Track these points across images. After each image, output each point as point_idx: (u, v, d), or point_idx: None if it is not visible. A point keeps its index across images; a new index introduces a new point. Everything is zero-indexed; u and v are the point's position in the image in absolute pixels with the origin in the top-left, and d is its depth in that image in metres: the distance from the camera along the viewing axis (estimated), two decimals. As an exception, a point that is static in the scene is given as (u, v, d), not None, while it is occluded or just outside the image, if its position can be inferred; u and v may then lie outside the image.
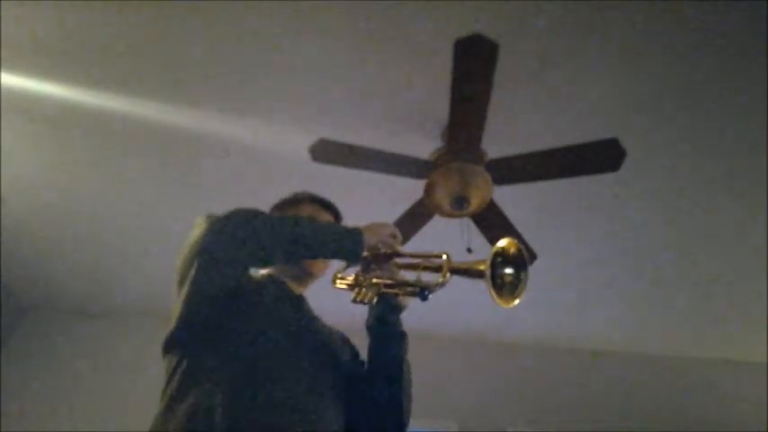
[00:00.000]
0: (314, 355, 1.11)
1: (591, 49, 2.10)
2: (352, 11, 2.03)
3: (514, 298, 1.06)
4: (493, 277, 1.03)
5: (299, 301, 1.24)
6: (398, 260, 1.21)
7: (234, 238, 1.00)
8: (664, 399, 3.78)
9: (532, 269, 2.68)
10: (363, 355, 1.26)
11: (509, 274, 1.07)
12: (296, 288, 1.26)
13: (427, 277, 1.16)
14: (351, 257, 1.12)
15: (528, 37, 2.07)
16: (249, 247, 1.02)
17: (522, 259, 1.08)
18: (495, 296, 1.02)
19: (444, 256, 1.11)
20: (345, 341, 1.29)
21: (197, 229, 1.04)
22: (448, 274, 1.09)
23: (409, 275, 1.20)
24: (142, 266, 3.49)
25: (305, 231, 1.08)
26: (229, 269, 1.02)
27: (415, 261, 1.19)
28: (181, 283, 1.03)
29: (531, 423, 3.63)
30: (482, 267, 1.03)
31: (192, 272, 1.00)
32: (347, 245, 1.10)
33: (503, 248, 1.07)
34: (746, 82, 2.16)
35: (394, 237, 1.19)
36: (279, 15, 2.07)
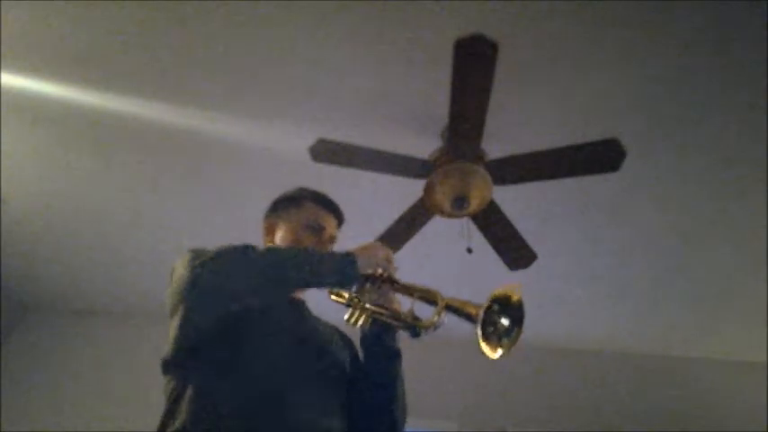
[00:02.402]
0: (316, 360, 1.11)
1: (591, 48, 2.10)
2: (352, 11, 2.03)
3: (498, 348, 1.02)
4: (484, 322, 1.00)
5: (299, 306, 1.23)
6: (393, 285, 1.19)
7: (221, 279, 0.99)
8: (664, 399, 3.78)
9: (533, 269, 2.71)
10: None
11: (503, 324, 1.04)
12: (294, 293, 1.24)
13: (420, 306, 1.14)
14: (345, 286, 1.12)
15: (528, 37, 2.07)
16: (237, 287, 1.00)
17: (521, 313, 1.04)
18: (480, 342, 0.99)
19: (438, 298, 1.09)
20: (345, 340, 1.28)
21: (183, 267, 1.02)
22: (442, 314, 1.07)
23: (403, 300, 1.19)
24: (142, 266, 3.49)
25: (294, 265, 1.05)
26: (218, 307, 1.00)
27: (410, 288, 1.17)
28: (172, 315, 1.03)
29: (531, 423, 3.63)
30: (475, 312, 1.01)
31: (181, 309, 1.00)
32: (341, 274, 1.07)
33: (503, 295, 1.03)
34: (746, 81, 2.16)
35: (388, 260, 1.16)
36: (278, 16, 2.07)
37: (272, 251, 1.15)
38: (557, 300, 3.54)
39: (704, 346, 3.90)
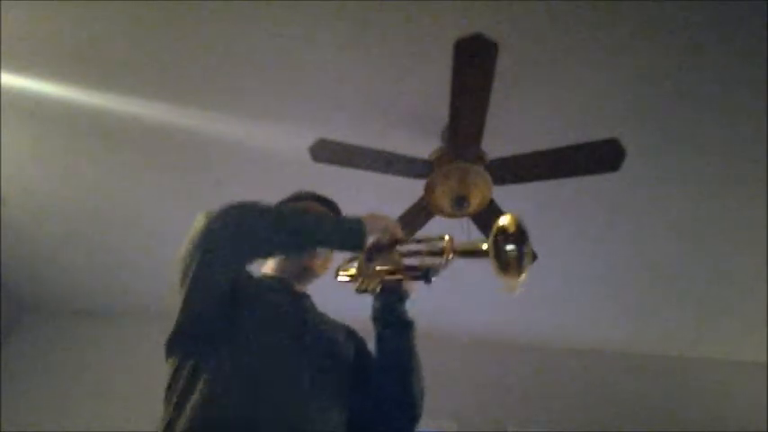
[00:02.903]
0: (315, 352, 1.11)
1: (591, 49, 2.10)
2: (352, 11, 2.03)
3: (520, 274, 1.03)
4: (497, 255, 1.02)
5: (301, 299, 1.23)
6: (400, 248, 1.18)
7: (233, 230, 0.99)
8: (663, 399, 3.78)
9: (533, 269, 2.70)
10: (372, 347, 1.23)
11: (512, 251, 1.04)
12: (298, 286, 1.25)
13: (430, 262, 1.14)
14: (353, 245, 1.11)
15: (528, 37, 2.07)
16: (248, 240, 1.01)
17: (523, 235, 1.05)
18: (500, 274, 1.01)
19: (447, 238, 1.10)
20: (351, 335, 1.27)
21: (196, 225, 1.02)
22: (451, 255, 1.08)
23: (412, 263, 1.18)
24: (142, 266, 3.49)
25: (305, 221, 1.08)
26: (229, 262, 1.01)
27: (417, 247, 1.16)
28: (182, 280, 1.01)
29: (530, 423, 3.63)
30: (484, 246, 1.03)
31: (192, 267, 0.98)
32: (349, 233, 1.09)
33: (504, 226, 1.05)
34: (746, 81, 2.16)
35: (394, 226, 1.17)
36: (278, 16, 2.07)
37: (282, 207, 1.20)
38: (556, 299, 3.54)
39: (704, 346, 3.90)
